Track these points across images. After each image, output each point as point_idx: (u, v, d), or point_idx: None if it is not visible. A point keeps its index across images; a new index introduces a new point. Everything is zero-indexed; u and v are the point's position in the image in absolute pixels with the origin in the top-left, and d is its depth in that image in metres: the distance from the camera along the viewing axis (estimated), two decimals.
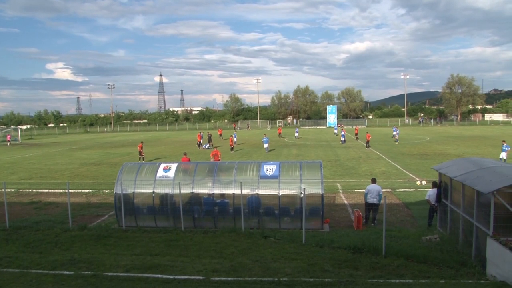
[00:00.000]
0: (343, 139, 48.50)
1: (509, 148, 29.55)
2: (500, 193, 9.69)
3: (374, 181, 16.17)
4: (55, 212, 18.29)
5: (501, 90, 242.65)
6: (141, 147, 36.14)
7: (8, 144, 61.82)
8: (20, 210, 18.61)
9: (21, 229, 15.09)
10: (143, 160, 33.77)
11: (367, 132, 46.26)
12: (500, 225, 9.78)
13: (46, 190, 23.70)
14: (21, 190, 23.96)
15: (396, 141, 48.38)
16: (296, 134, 59.52)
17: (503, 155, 29.14)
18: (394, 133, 49.67)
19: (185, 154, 26.27)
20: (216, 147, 34.19)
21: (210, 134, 50.14)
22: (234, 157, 37.25)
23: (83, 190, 23.25)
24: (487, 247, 9.75)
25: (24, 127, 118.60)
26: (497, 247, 9.29)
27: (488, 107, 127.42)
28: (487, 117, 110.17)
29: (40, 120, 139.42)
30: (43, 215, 17.82)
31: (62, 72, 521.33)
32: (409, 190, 21.12)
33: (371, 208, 15.59)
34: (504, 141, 31.07)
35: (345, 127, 75.32)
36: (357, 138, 53.57)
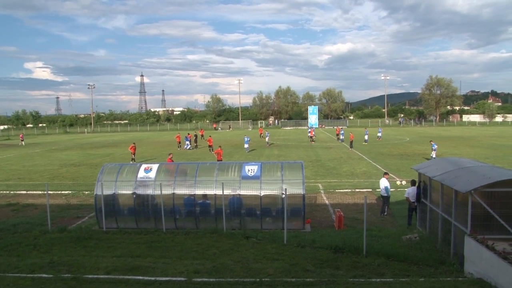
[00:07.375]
0: (341, 137, 51.03)
1: (436, 146, 32.37)
2: (478, 193, 9.89)
3: (385, 174, 18.35)
4: (34, 214, 17.95)
5: (478, 92, 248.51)
6: (132, 148, 35.66)
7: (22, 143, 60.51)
8: None
9: None
10: (134, 161, 33.25)
11: (350, 133, 46.64)
12: (477, 224, 9.99)
13: (25, 192, 23.24)
14: None
15: (365, 141, 48.82)
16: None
17: (433, 154, 31.35)
18: (366, 136, 49.90)
19: (170, 154, 26.15)
20: (213, 148, 34.51)
21: (196, 135, 51.20)
22: (215, 157, 37.08)
23: (63, 192, 22.86)
24: (465, 245, 9.95)
25: (1, 127, 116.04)
26: (474, 245, 9.49)
27: (465, 108, 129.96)
28: (465, 118, 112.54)
29: (18, 120, 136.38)
30: (21, 217, 17.46)
31: (42, 72, 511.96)
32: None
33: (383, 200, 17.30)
34: (431, 141, 34.38)
35: (326, 127, 76.22)
36: (338, 138, 54.05)
